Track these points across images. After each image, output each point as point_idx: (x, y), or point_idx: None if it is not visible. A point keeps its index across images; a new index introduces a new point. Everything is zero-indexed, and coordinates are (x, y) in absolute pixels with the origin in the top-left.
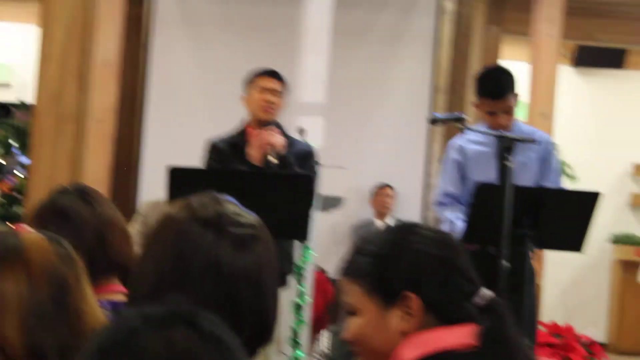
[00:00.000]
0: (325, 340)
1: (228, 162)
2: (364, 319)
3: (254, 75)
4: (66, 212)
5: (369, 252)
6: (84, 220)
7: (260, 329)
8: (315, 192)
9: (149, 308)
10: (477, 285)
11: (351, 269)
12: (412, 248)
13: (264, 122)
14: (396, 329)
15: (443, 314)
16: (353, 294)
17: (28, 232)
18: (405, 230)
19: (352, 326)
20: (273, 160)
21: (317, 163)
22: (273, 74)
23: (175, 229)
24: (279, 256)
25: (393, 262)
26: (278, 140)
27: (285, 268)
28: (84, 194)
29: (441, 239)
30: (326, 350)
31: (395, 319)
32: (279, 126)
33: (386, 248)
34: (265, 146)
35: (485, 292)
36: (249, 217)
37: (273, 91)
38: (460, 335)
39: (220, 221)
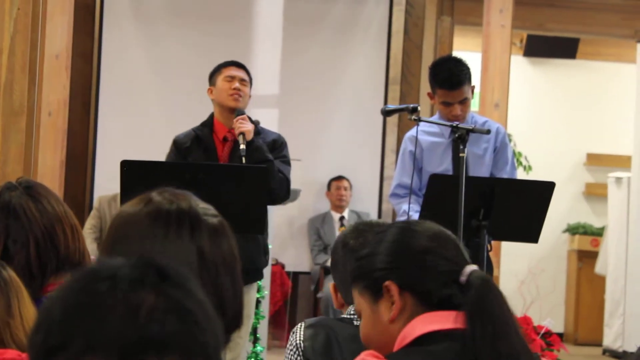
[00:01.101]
0: (300, 332)
1: (188, 154)
2: (364, 319)
3: (220, 66)
4: (14, 210)
5: (355, 257)
6: (31, 218)
7: (235, 313)
8: (286, 176)
9: (120, 266)
10: (459, 263)
11: (351, 278)
12: (380, 241)
13: (233, 111)
14: (385, 318)
15: (424, 296)
16: (355, 299)
17: None
18: (371, 226)
19: (361, 329)
20: (242, 145)
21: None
22: (238, 64)
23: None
24: (257, 250)
25: (369, 258)
26: (248, 127)
27: (262, 263)
28: (31, 190)
29: (404, 227)
30: (301, 343)
31: (383, 309)
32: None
33: (361, 249)
34: (237, 134)
35: (469, 269)
36: (210, 207)
37: (240, 80)
38: (447, 320)
39: (195, 212)
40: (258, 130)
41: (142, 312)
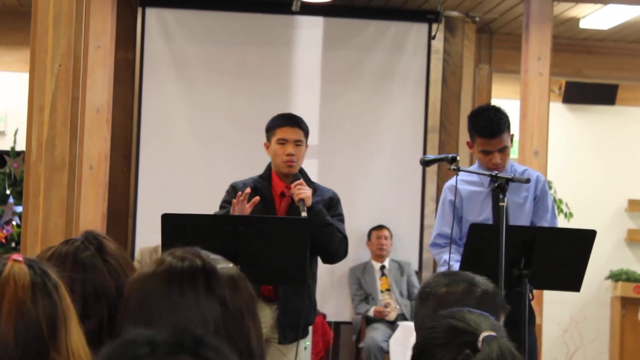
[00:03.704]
0: None
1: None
2: None
3: (275, 124)
4: (86, 268)
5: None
6: (104, 283)
7: (261, 356)
8: (344, 235)
9: (157, 333)
10: (478, 330)
11: None
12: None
13: (287, 175)
14: None
15: None
16: None
17: (17, 261)
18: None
19: None
20: (303, 213)
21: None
22: (293, 123)
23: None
24: (310, 306)
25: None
26: (306, 193)
27: (312, 319)
28: (103, 252)
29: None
30: None
31: None
32: (303, 174)
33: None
34: (297, 200)
35: (483, 335)
36: (221, 258)
37: (295, 141)
38: None
39: (209, 266)
40: (314, 188)
41: None
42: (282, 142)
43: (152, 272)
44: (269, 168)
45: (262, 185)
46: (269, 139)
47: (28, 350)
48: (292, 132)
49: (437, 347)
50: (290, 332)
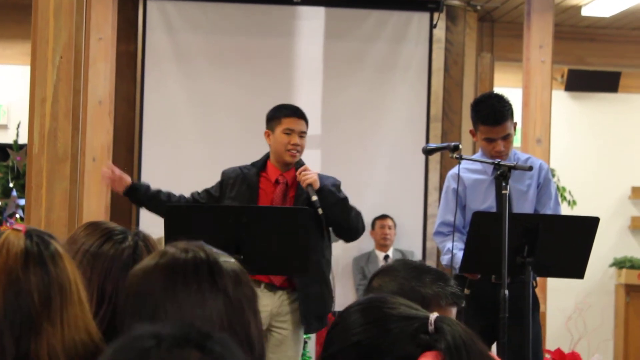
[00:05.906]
0: None
1: (232, 190)
2: None
3: (281, 114)
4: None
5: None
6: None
7: (261, 352)
8: (357, 210)
9: (163, 328)
10: (423, 316)
11: None
12: (342, 332)
13: (289, 163)
14: None
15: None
16: None
17: (15, 230)
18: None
19: None
20: (313, 197)
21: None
22: (299, 115)
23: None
24: (329, 294)
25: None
26: (313, 177)
27: (330, 307)
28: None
29: (367, 304)
30: None
31: None
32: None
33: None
34: (305, 185)
35: (433, 317)
36: (224, 253)
37: (300, 132)
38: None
39: (213, 258)
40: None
41: None
42: (289, 132)
43: (154, 264)
44: (265, 157)
45: (249, 172)
46: (272, 127)
47: (17, 319)
48: (298, 123)
49: (386, 342)
50: (315, 322)
